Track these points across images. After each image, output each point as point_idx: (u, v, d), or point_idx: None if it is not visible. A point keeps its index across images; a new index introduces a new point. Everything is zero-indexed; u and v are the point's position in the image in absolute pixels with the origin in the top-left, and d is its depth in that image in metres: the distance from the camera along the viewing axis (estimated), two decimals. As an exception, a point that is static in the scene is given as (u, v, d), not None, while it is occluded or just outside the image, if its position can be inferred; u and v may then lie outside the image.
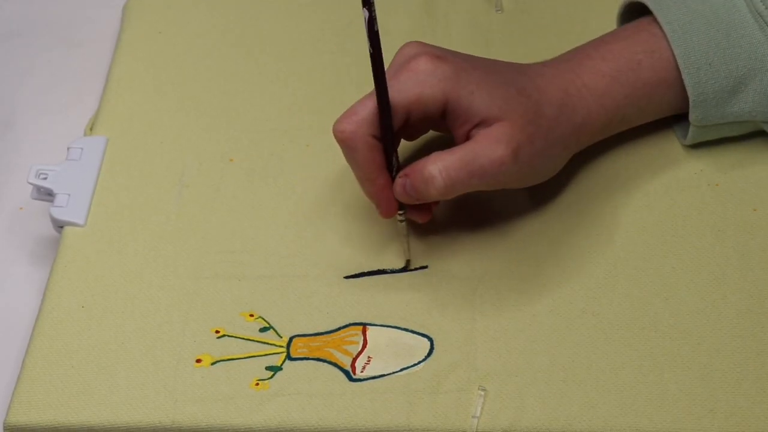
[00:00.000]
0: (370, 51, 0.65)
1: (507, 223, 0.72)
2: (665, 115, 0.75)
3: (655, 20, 0.72)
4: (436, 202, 0.71)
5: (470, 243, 0.72)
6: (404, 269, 0.71)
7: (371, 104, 0.67)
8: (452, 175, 0.66)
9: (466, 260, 0.71)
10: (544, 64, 0.73)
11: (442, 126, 0.70)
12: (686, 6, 0.72)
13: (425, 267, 0.71)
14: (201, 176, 0.76)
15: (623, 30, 0.74)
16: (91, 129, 0.79)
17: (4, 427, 0.65)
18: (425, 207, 0.70)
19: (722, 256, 0.70)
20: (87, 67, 0.86)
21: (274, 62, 0.82)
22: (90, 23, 0.89)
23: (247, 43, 0.83)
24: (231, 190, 0.75)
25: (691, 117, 0.72)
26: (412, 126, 0.70)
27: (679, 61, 0.71)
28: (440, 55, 0.68)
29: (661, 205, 0.73)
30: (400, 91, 0.67)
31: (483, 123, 0.68)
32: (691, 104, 0.72)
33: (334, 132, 0.67)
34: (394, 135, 0.68)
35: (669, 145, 0.75)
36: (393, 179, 0.68)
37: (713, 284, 0.69)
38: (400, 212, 0.70)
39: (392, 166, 0.68)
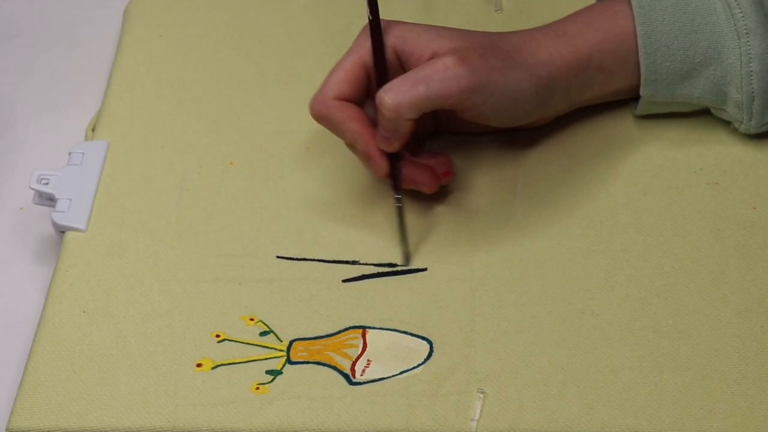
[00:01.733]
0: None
1: (506, 224, 0.72)
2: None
3: None
4: (441, 177, 0.72)
5: (469, 245, 0.72)
6: (403, 265, 0.71)
7: (331, 76, 0.71)
8: (395, 89, 0.68)
9: (465, 262, 0.71)
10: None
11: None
12: None
13: (424, 269, 0.71)
14: (201, 180, 0.76)
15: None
16: (93, 129, 0.80)
17: (6, 432, 0.66)
18: (429, 173, 0.71)
19: (722, 256, 0.70)
20: (87, 67, 0.86)
21: (274, 65, 0.82)
22: (90, 24, 0.90)
23: (247, 46, 0.83)
24: (231, 194, 0.75)
25: (642, 92, 0.73)
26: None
27: (639, 39, 0.71)
28: (393, 20, 0.72)
29: (661, 205, 0.73)
30: (352, 52, 0.71)
31: (435, 55, 0.69)
32: (642, 81, 0.72)
33: (311, 115, 0.71)
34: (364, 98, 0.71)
35: (669, 144, 0.75)
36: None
37: (713, 284, 0.69)
38: (397, 196, 0.70)
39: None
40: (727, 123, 0.75)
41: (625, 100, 0.76)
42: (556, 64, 0.71)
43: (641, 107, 0.74)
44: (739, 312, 0.68)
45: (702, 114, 0.76)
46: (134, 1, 0.87)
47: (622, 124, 0.76)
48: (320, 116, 0.71)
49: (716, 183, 0.73)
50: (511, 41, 0.72)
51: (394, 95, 0.68)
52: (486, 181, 0.75)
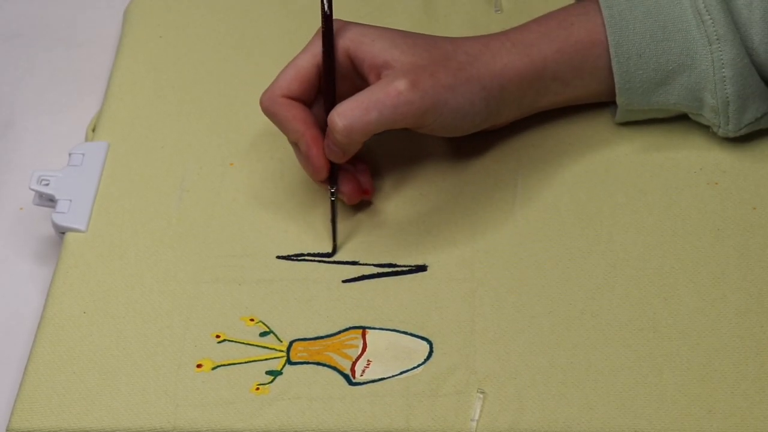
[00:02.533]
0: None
1: (506, 224, 0.72)
2: (606, 84, 0.74)
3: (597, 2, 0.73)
4: (368, 189, 0.72)
5: (469, 245, 0.72)
6: (332, 254, 0.71)
7: (282, 73, 0.71)
8: (348, 113, 0.68)
9: (465, 262, 0.71)
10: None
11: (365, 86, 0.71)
12: None
13: (424, 268, 0.71)
14: (201, 181, 0.76)
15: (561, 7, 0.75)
16: (93, 129, 0.80)
17: (7, 432, 0.66)
18: (354, 184, 0.72)
19: (722, 256, 0.70)
20: (87, 67, 0.86)
21: (274, 65, 0.81)
22: (90, 24, 0.90)
23: (247, 47, 0.83)
24: (231, 194, 0.75)
25: (618, 100, 0.74)
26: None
27: (611, 49, 0.72)
28: (349, 21, 0.72)
29: (661, 205, 0.73)
30: (305, 52, 0.71)
31: (387, 66, 0.69)
32: (617, 90, 0.73)
33: (261, 105, 0.72)
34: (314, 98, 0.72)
35: (668, 144, 0.75)
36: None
37: (713, 284, 0.69)
38: (332, 189, 0.71)
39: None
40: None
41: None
42: (509, 75, 0.72)
43: (620, 115, 0.75)
44: (739, 312, 0.68)
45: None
46: (134, 1, 0.87)
47: (623, 124, 0.76)
48: (267, 111, 0.71)
49: (716, 183, 0.73)
50: (467, 50, 0.72)
51: (346, 120, 0.68)
52: (486, 181, 0.75)
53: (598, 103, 0.76)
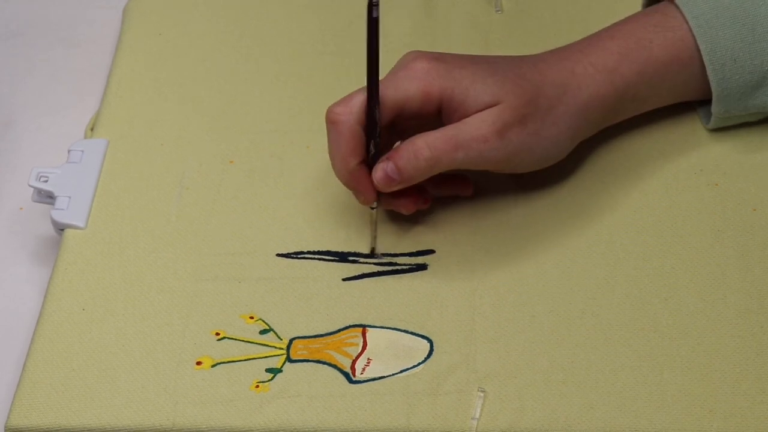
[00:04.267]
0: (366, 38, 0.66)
1: (506, 224, 0.72)
2: (683, 98, 0.74)
3: (673, 4, 0.72)
4: (419, 202, 0.72)
5: (469, 245, 0.72)
6: (370, 255, 0.71)
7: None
8: (438, 145, 0.67)
9: (465, 262, 0.71)
10: (551, 51, 0.73)
11: (438, 124, 0.70)
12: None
13: (425, 267, 0.71)
14: (201, 178, 0.76)
15: (637, 13, 0.74)
16: (92, 129, 0.80)
17: (5, 429, 0.65)
18: (411, 196, 0.71)
19: (722, 256, 0.70)
20: (87, 67, 0.87)
21: (274, 63, 0.82)
22: (90, 23, 0.90)
23: (247, 45, 0.83)
24: (231, 192, 0.75)
25: (714, 110, 0.73)
26: (406, 122, 0.70)
27: (705, 57, 0.71)
28: (438, 56, 0.69)
29: (661, 205, 0.73)
30: (396, 88, 0.68)
31: (477, 111, 0.69)
32: (714, 98, 0.72)
33: (327, 113, 0.69)
34: (382, 128, 0.69)
35: (668, 145, 0.75)
36: (370, 167, 0.69)
37: (713, 284, 0.69)
38: (374, 206, 0.71)
39: (369, 152, 0.69)
40: (725, 125, 0.75)
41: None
42: (595, 106, 0.72)
43: (714, 122, 0.74)
44: (739, 312, 0.68)
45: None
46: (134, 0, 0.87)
47: (623, 125, 0.76)
48: (336, 127, 0.68)
49: (716, 184, 0.73)
50: (554, 81, 0.71)
51: (435, 152, 0.67)
52: (486, 181, 0.74)
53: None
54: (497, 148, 0.68)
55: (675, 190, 0.73)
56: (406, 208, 0.72)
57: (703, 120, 0.76)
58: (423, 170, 0.68)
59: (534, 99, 0.69)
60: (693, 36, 0.72)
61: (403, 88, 0.68)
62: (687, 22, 0.72)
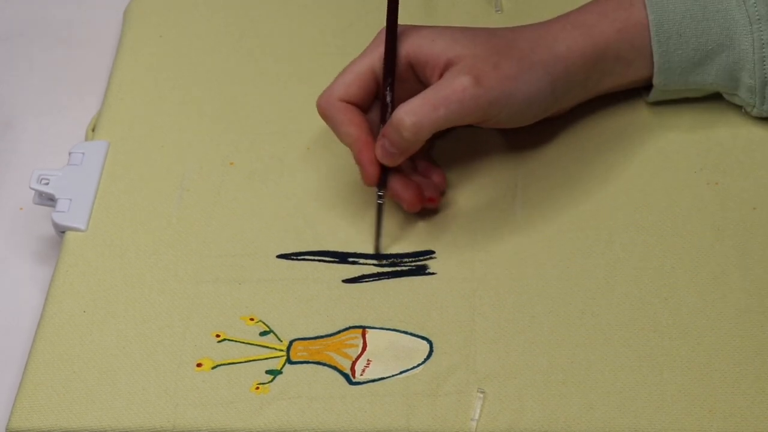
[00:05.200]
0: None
1: (506, 224, 0.72)
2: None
3: None
4: (433, 197, 0.72)
5: (469, 245, 0.72)
6: (374, 255, 0.71)
7: (341, 75, 0.71)
8: (417, 111, 0.68)
9: (465, 262, 0.71)
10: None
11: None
12: None
13: (424, 268, 0.71)
14: (202, 180, 0.76)
15: None
16: (93, 129, 0.80)
17: (6, 431, 0.66)
18: (415, 191, 0.71)
19: (722, 256, 0.70)
20: (87, 67, 0.87)
21: (274, 65, 0.82)
22: (90, 24, 0.90)
23: (247, 46, 0.83)
24: (232, 194, 0.75)
25: (655, 81, 0.74)
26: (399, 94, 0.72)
27: (651, 28, 0.72)
28: (407, 25, 0.72)
29: (661, 205, 0.73)
30: (364, 55, 0.71)
31: (450, 64, 0.69)
32: (655, 69, 0.73)
33: (317, 107, 0.72)
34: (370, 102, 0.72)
35: (668, 144, 0.75)
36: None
37: (713, 284, 0.69)
38: (380, 193, 0.71)
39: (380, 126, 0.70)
40: (726, 123, 0.75)
41: (630, 98, 0.76)
42: (573, 58, 0.72)
43: (654, 95, 0.75)
44: (739, 312, 0.68)
45: (702, 115, 0.76)
46: (134, 1, 0.87)
47: (623, 124, 0.76)
48: (323, 114, 0.72)
49: (716, 183, 0.73)
50: (527, 36, 0.72)
51: (415, 117, 0.68)
52: (486, 181, 0.75)
53: (598, 104, 0.76)
54: (477, 95, 0.68)
55: (675, 189, 0.73)
56: (410, 203, 0.71)
57: (644, 94, 0.76)
58: (410, 137, 0.68)
59: (505, 49, 0.70)
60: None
61: (370, 54, 0.71)
62: None
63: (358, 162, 0.71)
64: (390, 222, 0.73)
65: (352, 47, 0.81)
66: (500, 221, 0.73)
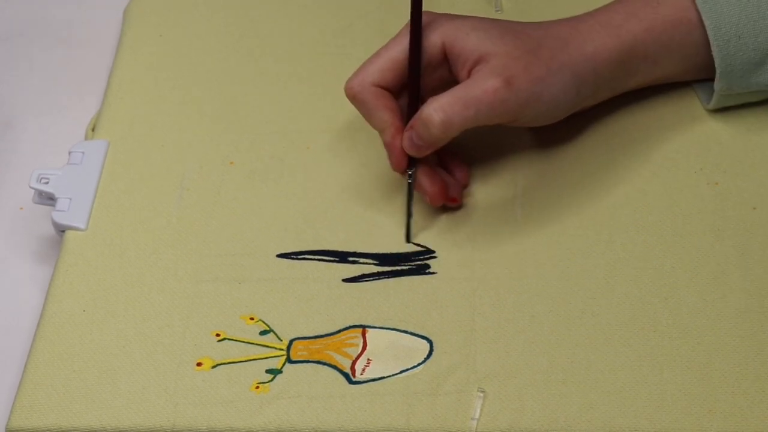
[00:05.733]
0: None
1: (506, 224, 0.72)
2: (694, 69, 0.74)
3: None
4: (456, 197, 0.72)
5: (469, 245, 0.72)
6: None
7: (375, 59, 0.71)
8: (447, 109, 0.68)
9: (465, 262, 0.71)
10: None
11: (452, 79, 0.71)
12: None
13: (425, 268, 0.71)
14: (202, 179, 0.76)
15: None
16: (93, 129, 0.80)
17: (6, 431, 0.66)
18: (440, 186, 0.72)
19: (722, 256, 0.70)
20: (87, 67, 0.87)
21: (274, 64, 0.82)
22: (90, 24, 0.90)
23: (247, 46, 0.83)
24: (231, 193, 0.75)
25: (717, 86, 0.73)
26: (427, 82, 0.72)
27: (709, 33, 0.72)
28: (441, 13, 0.72)
29: (661, 205, 0.73)
30: (398, 42, 0.71)
31: (481, 60, 0.70)
32: (717, 75, 0.73)
33: (345, 90, 0.71)
34: (402, 88, 0.71)
35: (668, 143, 0.75)
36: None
37: (713, 284, 0.69)
38: (409, 172, 0.71)
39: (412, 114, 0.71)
40: (726, 123, 0.75)
41: (630, 98, 0.76)
42: (602, 57, 0.72)
43: (715, 101, 0.75)
44: (739, 312, 0.68)
45: (702, 114, 0.76)
46: (134, 0, 0.87)
47: (623, 124, 0.76)
48: (355, 98, 0.71)
49: (716, 183, 0.73)
50: (556, 35, 0.72)
51: (445, 115, 0.68)
52: (486, 181, 0.75)
53: (598, 104, 0.76)
54: (507, 98, 0.69)
55: (675, 189, 0.73)
56: (433, 198, 0.72)
57: (703, 100, 0.76)
58: (438, 134, 0.69)
59: (535, 49, 0.70)
60: (697, 11, 0.72)
61: (404, 39, 0.71)
62: None
63: (389, 147, 0.71)
64: (390, 222, 0.73)
65: (352, 47, 0.82)
66: (500, 221, 0.73)
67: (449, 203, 0.73)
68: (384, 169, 0.74)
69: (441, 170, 0.73)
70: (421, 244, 0.72)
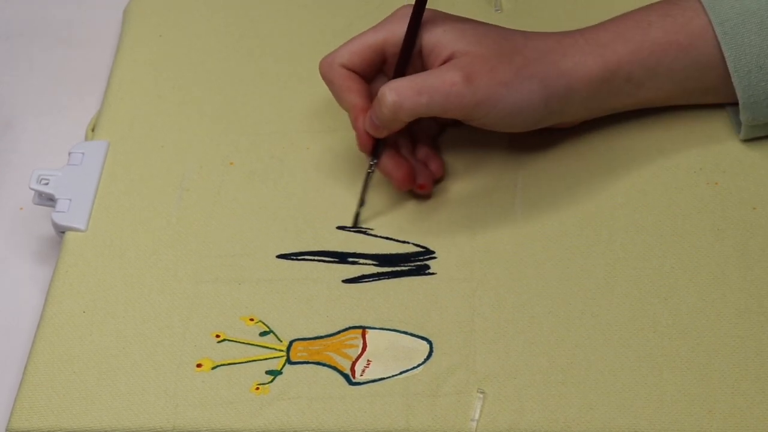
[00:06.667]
0: None
1: (506, 224, 0.72)
2: (683, 86, 0.73)
3: (699, 2, 0.72)
4: (424, 184, 0.73)
5: (469, 245, 0.72)
6: (353, 227, 0.72)
7: (348, 43, 0.72)
8: (401, 92, 0.69)
9: (465, 262, 0.71)
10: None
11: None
12: (741, 4, 0.71)
13: (424, 269, 0.71)
14: (201, 180, 0.76)
15: (653, 2, 0.74)
16: (93, 129, 0.80)
17: (6, 432, 0.66)
18: (406, 171, 0.72)
19: (722, 256, 0.70)
20: (87, 67, 0.87)
21: (274, 65, 0.82)
22: (90, 24, 0.90)
23: (247, 46, 0.83)
24: (231, 194, 0.75)
25: (742, 117, 0.73)
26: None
27: (729, 64, 0.71)
28: (441, 12, 0.72)
29: (660, 205, 0.73)
30: (376, 30, 0.72)
31: (451, 58, 0.70)
32: (741, 106, 0.72)
33: (319, 67, 0.73)
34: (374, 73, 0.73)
35: (668, 143, 0.75)
36: None
37: (713, 284, 0.69)
38: (371, 162, 0.71)
39: None
40: (726, 123, 0.75)
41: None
42: (578, 75, 0.71)
43: (745, 132, 0.74)
44: (739, 312, 0.68)
45: (702, 114, 0.76)
46: (134, 0, 0.87)
47: (623, 124, 0.76)
48: (324, 76, 0.73)
49: (716, 183, 0.73)
50: (537, 45, 0.71)
51: (397, 96, 0.68)
52: (486, 181, 0.75)
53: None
54: (463, 93, 0.69)
55: (675, 189, 0.73)
56: (399, 182, 0.72)
57: (735, 130, 0.75)
58: (389, 114, 0.69)
59: (509, 54, 0.70)
60: (717, 40, 0.71)
61: (382, 30, 0.71)
62: (712, 28, 0.71)
63: (354, 128, 0.72)
64: (390, 222, 0.73)
65: (351, 47, 0.81)
66: (500, 221, 0.73)
67: (418, 190, 0.73)
68: (384, 169, 0.74)
69: (413, 159, 0.73)
70: (421, 244, 0.72)
